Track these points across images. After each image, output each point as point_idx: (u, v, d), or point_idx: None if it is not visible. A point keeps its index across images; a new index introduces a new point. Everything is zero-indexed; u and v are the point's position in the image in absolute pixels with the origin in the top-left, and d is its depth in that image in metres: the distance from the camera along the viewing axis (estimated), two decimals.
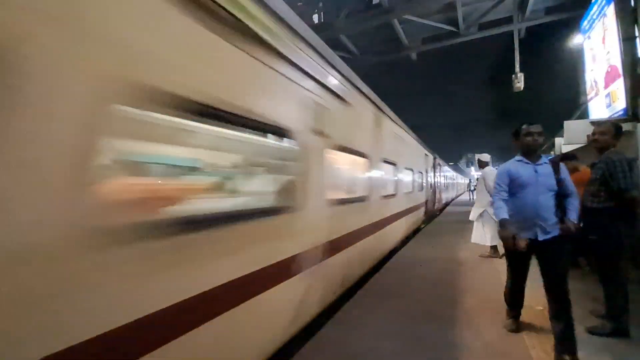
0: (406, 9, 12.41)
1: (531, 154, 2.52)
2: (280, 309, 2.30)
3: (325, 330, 2.81)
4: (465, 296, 3.63)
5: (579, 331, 2.69)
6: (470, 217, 5.74)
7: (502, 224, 2.47)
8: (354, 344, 2.58)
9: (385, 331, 2.80)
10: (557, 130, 10.42)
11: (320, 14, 13.93)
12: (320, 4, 13.77)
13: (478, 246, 5.75)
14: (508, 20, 13.27)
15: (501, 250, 5.54)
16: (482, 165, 5.59)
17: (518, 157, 2.59)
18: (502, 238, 2.49)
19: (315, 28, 12.74)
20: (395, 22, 13.09)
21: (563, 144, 8.52)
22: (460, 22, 13.24)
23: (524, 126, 2.52)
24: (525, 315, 3.06)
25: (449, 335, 2.71)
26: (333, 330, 2.82)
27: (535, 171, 2.46)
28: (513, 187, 2.51)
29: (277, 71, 2.20)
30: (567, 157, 5.10)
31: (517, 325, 2.81)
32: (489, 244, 5.45)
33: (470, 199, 22.47)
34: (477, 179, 6.01)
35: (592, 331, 2.67)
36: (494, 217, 5.50)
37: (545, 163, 2.49)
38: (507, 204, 2.51)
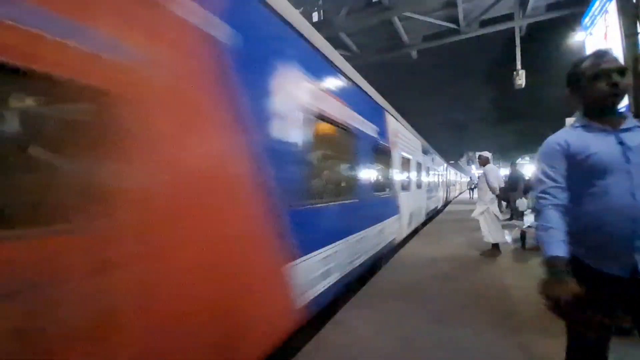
0: (406, 6, 12.35)
1: (607, 112, 1.32)
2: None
3: (325, 331, 2.79)
4: (467, 296, 3.60)
5: None
6: (473, 215, 5.70)
7: (550, 263, 1.23)
8: (354, 346, 2.56)
9: (386, 332, 2.78)
10: (559, 127, 10.37)
11: (320, 12, 13.86)
12: (320, 2, 13.71)
13: (480, 243, 5.73)
14: (509, 17, 13.20)
15: (504, 248, 5.53)
16: (482, 162, 5.56)
17: (580, 121, 1.39)
18: (549, 294, 1.21)
19: (315, 26, 12.68)
20: (396, 19, 13.03)
21: None
22: (461, 19, 13.16)
23: (588, 62, 1.33)
24: (527, 314, 3.04)
25: (451, 336, 2.69)
26: (333, 331, 2.80)
27: (621, 143, 1.25)
28: (578, 178, 1.29)
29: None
30: None
31: None
32: (491, 241, 5.42)
33: (470, 197, 22.40)
34: (479, 177, 5.97)
35: None
36: (497, 214, 5.50)
37: (638, 127, 1.29)
38: (567, 216, 1.29)
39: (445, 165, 17.13)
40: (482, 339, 2.61)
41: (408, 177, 7.05)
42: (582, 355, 1.39)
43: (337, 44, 13.39)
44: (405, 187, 6.61)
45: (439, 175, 13.80)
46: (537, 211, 1.36)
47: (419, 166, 8.25)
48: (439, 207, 13.65)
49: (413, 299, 3.53)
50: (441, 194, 14.66)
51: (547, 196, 1.33)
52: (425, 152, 9.56)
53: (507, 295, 3.57)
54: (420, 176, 8.60)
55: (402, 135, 6.40)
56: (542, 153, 1.44)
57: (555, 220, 1.28)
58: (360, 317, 3.08)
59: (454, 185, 23.90)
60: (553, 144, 1.39)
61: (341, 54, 3.91)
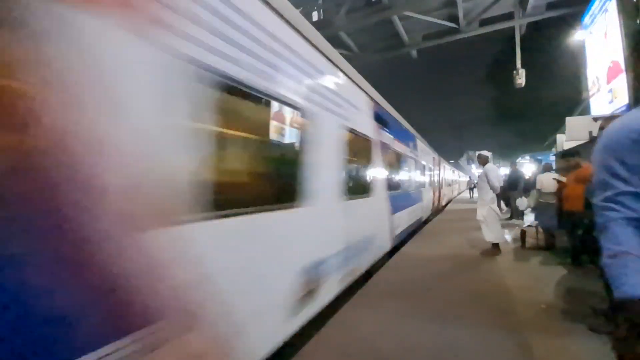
0: (406, 5, 12.35)
1: None
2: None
3: (325, 330, 2.80)
4: (467, 295, 3.60)
5: (581, 329, 2.68)
6: (477, 217, 5.61)
7: (626, 307, 0.83)
8: (354, 345, 2.56)
9: (386, 331, 2.78)
10: (559, 126, 10.38)
11: (319, 11, 13.86)
12: (320, 1, 13.70)
13: (480, 243, 5.74)
14: (509, 16, 13.20)
15: (504, 247, 5.54)
16: (482, 161, 5.55)
17: None
18: (628, 356, 0.82)
19: (315, 25, 12.66)
20: (396, 18, 13.03)
21: (565, 141, 8.49)
22: (461, 18, 13.17)
23: None
24: (527, 313, 3.05)
25: (451, 336, 2.69)
26: (333, 330, 2.80)
27: None
28: None
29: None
30: (569, 153, 5.07)
31: None
32: (493, 240, 5.42)
33: (470, 197, 22.38)
34: (479, 176, 5.95)
35: (594, 329, 2.65)
36: (498, 213, 5.49)
37: None
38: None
39: (437, 158, 12.54)
40: (481, 338, 2.61)
41: (309, 172, 2.72)
42: None
43: (337, 43, 13.41)
44: (288, 197, 2.52)
45: (424, 171, 9.47)
46: (602, 228, 0.95)
47: (368, 149, 4.51)
48: (425, 218, 9.44)
49: (413, 298, 3.53)
50: (430, 197, 10.25)
51: (616, 206, 0.92)
52: (387, 125, 5.47)
53: (507, 295, 3.57)
54: (375, 170, 4.73)
55: (291, 47, 2.47)
56: (607, 145, 0.99)
57: (630, 240, 0.88)
58: (360, 316, 3.08)
59: (450, 185, 19.16)
60: (625, 131, 0.95)
61: (341, 54, 3.88)
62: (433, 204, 10.94)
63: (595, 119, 6.89)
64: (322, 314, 2.97)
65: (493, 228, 5.40)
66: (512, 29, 13.10)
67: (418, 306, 3.31)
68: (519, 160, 18.49)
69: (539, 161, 12.98)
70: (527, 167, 15.36)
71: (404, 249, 6.02)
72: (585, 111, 8.99)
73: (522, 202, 7.95)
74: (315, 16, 13.73)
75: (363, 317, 3.06)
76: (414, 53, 15.74)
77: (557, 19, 12.46)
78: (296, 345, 2.52)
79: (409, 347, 2.50)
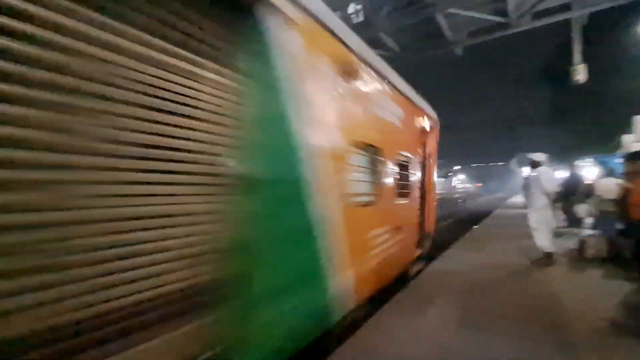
0: (450, 1, 11.92)
1: None
2: None
3: (362, 332, 2.78)
4: (513, 305, 3.39)
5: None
6: (531, 224, 5.25)
7: None
8: (390, 349, 2.52)
9: (425, 338, 2.71)
10: (625, 126, 9.44)
11: (359, 13, 13.80)
12: (360, 6, 13.65)
13: (531, 251, 5.37)
14: (566, 7, 12.22)
15: (561, 257, 5.13)
16: (534, 165, 5.18)
17: None
18: None
19: (355, 27, 12.64)
20: (439, 16, 12.63)
21: (632, 142, 7.69)
22: (511, 11, 12.42)
23: None
24: (582, 329, 2.80)
25: (493, 347, 2.55)
26: (368, 333, 2.78)
27: None
28: None
29: None
30: (637, 156, 4.60)
31: None
32: (545, 249, 5.04)
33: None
34: (529, 180, 5.45)
35: None
36: (551, 220, 5.08)
37: None
38: None
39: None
40: (526, 352, 2.44)
41: None
42: None
43: (377, 44, 13.27)
44: None
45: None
46: None
47: None
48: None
49: (456, 305, 3.39)
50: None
51: None
52: None
53: (561, 308, 3.30)
54: None
55: None
56: None
57: None
58: (399, 320, 3.03)
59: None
60: None
61: (381, 54, 3.87)
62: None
63: None
64: (359, 317, 2.96)
65: (544, 236, 5.03)
66: (569, 21, 12.12)
67: (460, 313, 3.17)
68: (578, 162, 16.93)
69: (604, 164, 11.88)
70: (588, 170, 14.00)
71: (446, 256, 5.81)
72: None
73: (581, 209, 7.31)
74: (354, 18, 13.69)
75: (399, 321, 3.01)
76: (459, 51, 15.14)
77: (623, 8, 11.32)
78: (331, 347, 2.54)
79: (447, 356, 2.41)
